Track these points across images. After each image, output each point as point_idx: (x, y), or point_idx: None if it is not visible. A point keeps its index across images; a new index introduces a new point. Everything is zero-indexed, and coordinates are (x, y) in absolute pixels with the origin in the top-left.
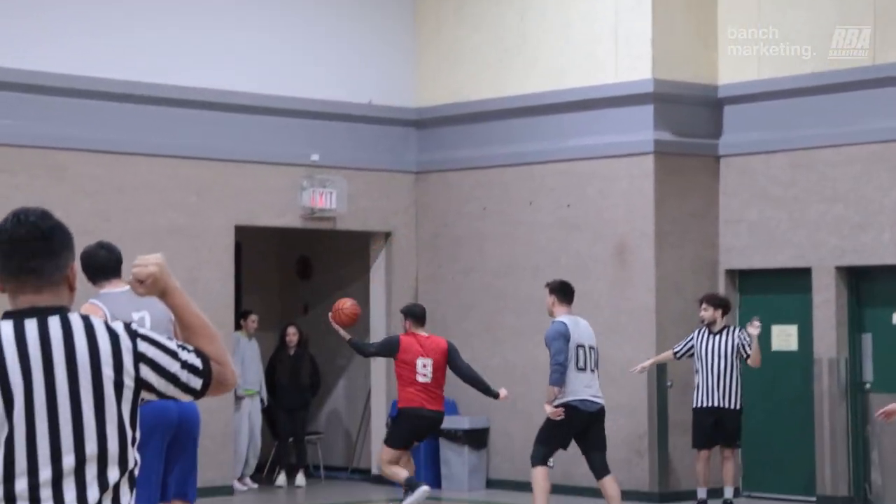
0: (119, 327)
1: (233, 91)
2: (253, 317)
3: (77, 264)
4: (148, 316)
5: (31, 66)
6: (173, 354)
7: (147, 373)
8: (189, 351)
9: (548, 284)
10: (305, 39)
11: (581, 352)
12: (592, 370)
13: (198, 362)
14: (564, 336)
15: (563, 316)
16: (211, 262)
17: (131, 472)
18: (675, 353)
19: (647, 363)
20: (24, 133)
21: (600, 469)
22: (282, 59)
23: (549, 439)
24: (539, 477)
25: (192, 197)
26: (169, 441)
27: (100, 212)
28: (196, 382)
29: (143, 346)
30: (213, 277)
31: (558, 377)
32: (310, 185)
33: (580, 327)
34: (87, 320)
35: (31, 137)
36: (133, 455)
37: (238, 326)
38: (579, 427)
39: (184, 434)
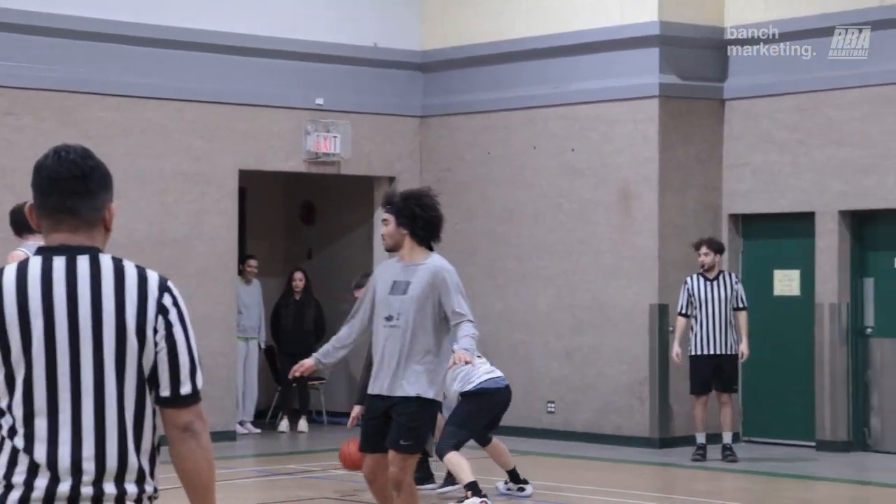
0: (153, 273)
1: (238, 34)
2: (252, 262)
3: (114, 206)
4: None
5: (35, 8)
6: (188, 344)
7: (160, 334)
8: (199, 367)
9: None
10: None
11: None
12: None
13: (200, 380)
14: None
15: None
16: (216, 206)
17: (152, 428)
18: (683, 313)
19: (678, 348)
20: (29, 75)
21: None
22: (287, 3)
23: (465, 422)
24: (456, 457)
25: (197, 141)
26: None
27: (105, 155)
28: (187, 387)
29: (168, 303)
30: (218, 222)
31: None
32: (314, 129)
33: None
34: (118, 262)
35: (37, 80)
36: (150, 418)
37: (240, 272)
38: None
39: None
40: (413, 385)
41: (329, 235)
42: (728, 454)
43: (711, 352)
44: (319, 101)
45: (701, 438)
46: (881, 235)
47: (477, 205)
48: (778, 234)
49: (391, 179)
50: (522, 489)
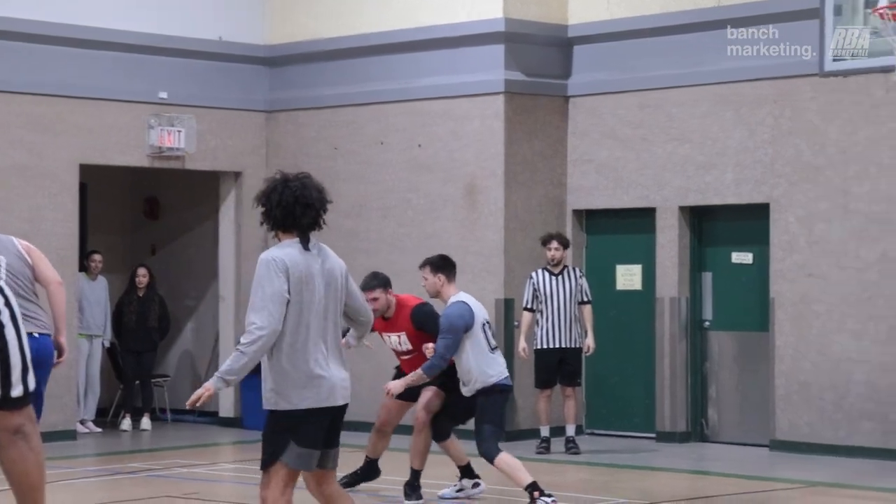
0: None
1: (79, 26)
2: (96, 256)
3: None
4: (3, 260)
5: None
6: (21, 346)
7: None
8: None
9: (428, 263)
10: None
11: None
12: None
13: (32, 381)
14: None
15: (456, 295)
16: (54, 201)
17: None
18: (528, 308)
19: (524, 343)
20: None
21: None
22: None
23: (501, 420)
24: (509, 458)
25: (34, 135)
26: None
27: None
28: (19, 389)
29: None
30: (57, 218)
31: (438, 370)
32: (158, 123)
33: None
34: None
35: None
36: None
37: (83, 267)
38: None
39: (37, 366)
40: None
41: (174, 231)
42: (571, 447)
43: (556, 345)
44: (163, 94)
45: (545, 431)
46: (719, 230)
47: None
48: (620, 230)
49: (237, 175)
50: (478, 484)
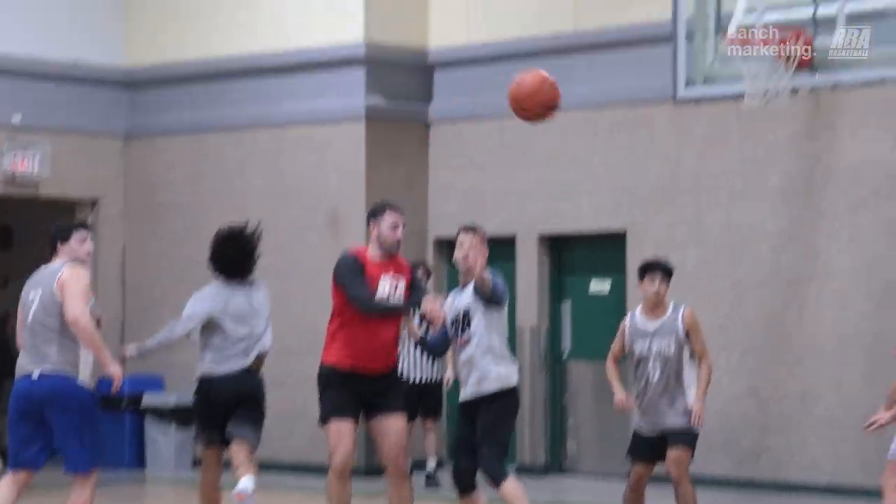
0: None
1: None
2: None
3: None
4: (38, 295)
5: None
6: None
7: None
8: None
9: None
10: None
11: None
12: None
13: None
14: None
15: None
16: None
17: None
18: None
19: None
20: None
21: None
22: None
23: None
24: (515, 486)
25: None
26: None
27: None
28: None
29: None
30: None
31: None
32: (10, 148)
33: None
34: None
35: None
36: None
37: None
38: None
39: (47, 410)
40: None
41: (28, 262)
42: (430, 480)
43: (417, 379)
44: (17, 118)
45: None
46: (577, 259)
47: (187, 229)
48: None
49: (94, 202)
50: None
